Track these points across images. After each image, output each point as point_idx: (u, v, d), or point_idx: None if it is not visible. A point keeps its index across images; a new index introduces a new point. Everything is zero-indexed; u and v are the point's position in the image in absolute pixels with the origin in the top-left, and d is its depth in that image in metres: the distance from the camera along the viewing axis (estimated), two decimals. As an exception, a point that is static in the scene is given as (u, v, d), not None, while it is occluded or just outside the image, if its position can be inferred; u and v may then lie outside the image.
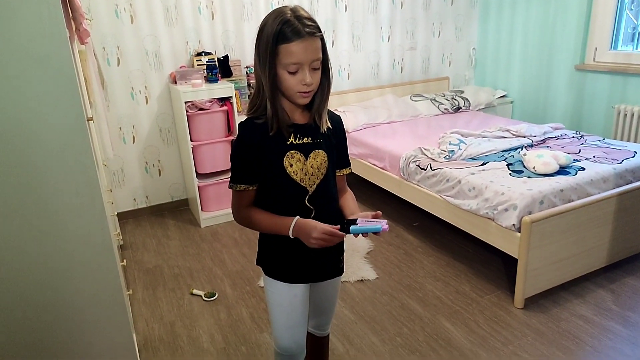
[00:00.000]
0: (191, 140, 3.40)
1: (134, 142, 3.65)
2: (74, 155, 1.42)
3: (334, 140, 1.42)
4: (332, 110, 1.46)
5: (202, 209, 3.59)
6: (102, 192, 1.63)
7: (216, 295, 2.68)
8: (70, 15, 1.90)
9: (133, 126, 3.62)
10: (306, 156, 1.34)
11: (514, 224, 2.36)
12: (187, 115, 3.34)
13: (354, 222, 1.28)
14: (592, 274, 2.63)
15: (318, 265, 1.43)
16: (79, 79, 1.92)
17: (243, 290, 2.72)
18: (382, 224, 1.25)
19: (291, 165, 1.32)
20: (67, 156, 1.41)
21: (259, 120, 1.31)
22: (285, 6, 1.24)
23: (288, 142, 1.32)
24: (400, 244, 3.15)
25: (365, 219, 1.28)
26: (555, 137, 3.31)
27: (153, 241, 3.40)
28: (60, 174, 1.41)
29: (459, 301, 2.51)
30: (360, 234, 1.27)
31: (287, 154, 1.32)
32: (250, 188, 1.34)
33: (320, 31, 1.24)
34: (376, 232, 1.24)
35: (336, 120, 1.44)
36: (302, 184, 1.34)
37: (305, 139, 1.34)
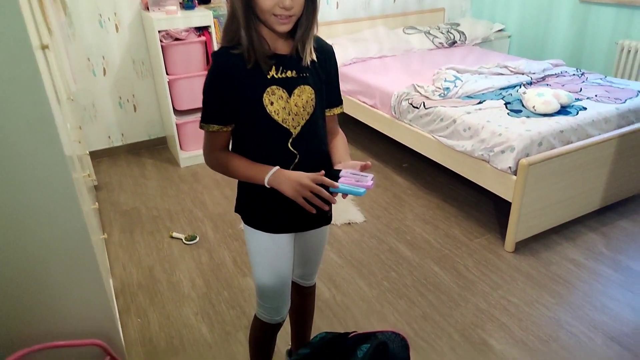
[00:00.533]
0: (167, 74, 3.14)
1: (104, 74, 3.37)
2: (22, 88, 1.22)
3: (324, 75, 1.23)
4: (324, 40, 1.26)
5: (181, 148, 3.40)
6: (62, 130, 1.45)
7: (197, 239, 2.57)
8: None
9: (103, 57, 3.32)
10: (289, 93, 1.16)
11: (510, 167, 2.24)
12: (162, 46, 3.05)
13: (337, 173, 1.13)
14: (584, 217, 2.57)
15: (304, 213, 1.28)
16: (29, 1, 1.67)
17: (225, 234, 2.61)
18: (368, 180, 1.09)
19: (272, 104, 1.14)
20: (13, 89, 1.21)
21: (235, 50, 1.12)
22: None
23: (268, 77, 1.14)
24: (389, 186, 3.04)
25: (351, 171, 1.13)
26: (555, 74, 3.14)
27: (130, 181, 3.23)
28: (6, 110, 1.22)
29: (448, 245, 2.44)
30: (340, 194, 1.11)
31: (267, 90, 1.14)
32: (224, 129, 1.17)
33: None
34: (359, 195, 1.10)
35: (327, 50, 1.25)
36: (284, 125, 1.17)
37: (289, 72, 1.16)
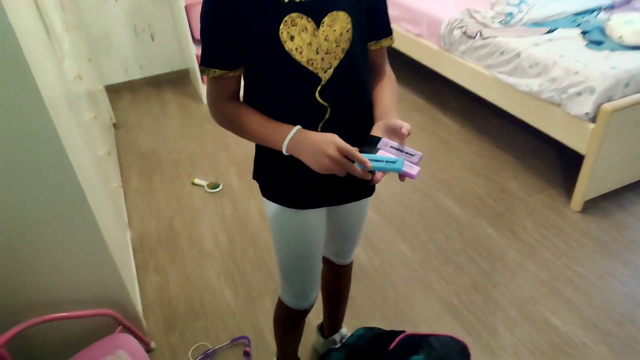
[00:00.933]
0: (183, -2, 2.77)
1: (116, 0, 3.02)
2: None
3: None
4: None
5: (203, 82, 3.10)
6: (41, 70, 1.18)
7: (220, 187, 2.34)
8: None
9: (113, -21, 2.96)
10: (317, 22, 0.84)
11: (587, 113, 1.86)
12: (176, -36, 2.66)
13: (376, 143, 0.83)
14: (667, 171, 2.18)
15: (339, 183, 0.99)
16: None
17: (251, 182, 2.34)
18: (414, 160, 0.79)
19: (292, 39, 0.83)
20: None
21: None
22: None
23: (286, 0, 0.81)
24: (435, 128, 2.69)
25: (395, 144, 0.82)
26: (642, -5, 2.60)
27: (149, 120, 2.98)
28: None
29: (503, 201, 2.13)
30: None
31: (286, 19, 0.82)
32: (230, 74, 0.86)
33: None
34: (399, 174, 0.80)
35: None
36: (310, 67, 0.86)
37: None
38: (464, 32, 2.42)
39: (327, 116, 0.89)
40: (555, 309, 1.64)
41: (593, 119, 1.86)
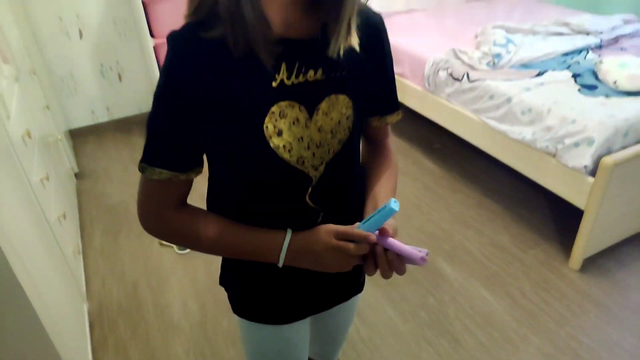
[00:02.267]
0: (152, 37, 2.61)
1: (80, 37, 2.83)
2: None
3: (370, 69, 0.73)
4: (370, 7, 0.74)
5: (175, 125, 2.92)
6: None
7: (192, 244, 2.14)
8: None
9: (77, 16, 2.77)
10: (311, 110, 0.67)
11: (586, 166, 1.73)
12: (143, 2, 2.50)
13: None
14: (666, 221, 2.07)
15: (326, 289, 0.83)
16: None
17: (225, 238, 2.17)
18: (420, 256, 0.65)
19: (279, 134, 0.66)
20: None
21: (210, 31, 0.61)
22: None
23: (274, 84, 0.65)
24: (418, 174, 2.54)
25: (394, 242, 0.66)
26: (629, 34, 2.53)
27: (117, 168, 2.78)
28: None
29: (496, 258, 1.98)
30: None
31: (273, 109, 0.65)
32: (183, 177, 0.68)
33: None
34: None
35: (374, 25, 0.73)
36: (298, 166, 0.69)
37: (312, 72, 0.66)
38: (450, 74, 2.31)
39: (319, 221, 0.73)
40: (563, 390, 1.48)
41: (592, 173, 1.73)
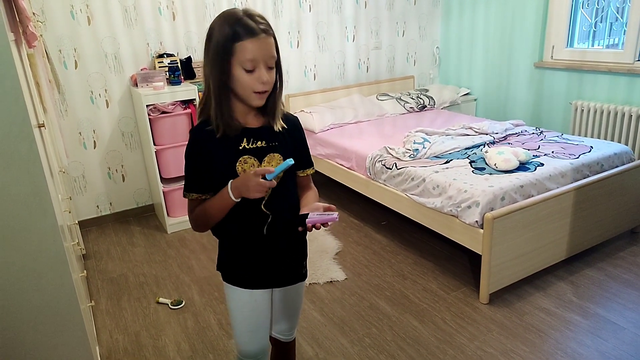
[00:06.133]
0: (154, 144, 3.33)
1: (95, 147, 3.54)
2: (20, 164, 1.36)
3: (291, 142, 1.40)
4: (290, 112, 1.45)
5: (168, 215, 3.52)
6: (55, 202, 1.58)
7: (183, 303, 2.63)
8: (17, 18, 1.82)
9: (94, 131, 3.51)
10: (260, 160, 1.32)
11: (476, 221, 2.40)
12: (150, 119, 3.26)
13: (305, 217, 1.26)
14: (553, 266, 2.70)
15: (279, 270, 1.42)
16: (28, 84, 1.85)
17: (211, 297, 2.68)
18: (333, 215, 1.24)
19: (244, 171, 1.30)
20: (12, 165, 1.35)
21: (208, 127, 1.28)
22: (235, 8, 1.23)
23: (240, 147, 1.30)
24: (369, 243, 3.17)
25: (317, 213, 1.25)
26: (516, 133, 3.39)
27: (117, 249, 3.31)
28: (6, 184, 1.35)
29: (426, 299, 2.54)
30: (313, 227, 1.24)
31: (240, 159, 1.29)
32: (203, 197, 1.32)
33: (272, 30, 1.23)
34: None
35: (292, 121, 1.41)
36: None
37: (259, 142, 1.32)
38: (384, 165, 3.05)
39: (269, 220, 1.34)
40: (469, 382, 1.97)
41: (482, 226, 2.40)
